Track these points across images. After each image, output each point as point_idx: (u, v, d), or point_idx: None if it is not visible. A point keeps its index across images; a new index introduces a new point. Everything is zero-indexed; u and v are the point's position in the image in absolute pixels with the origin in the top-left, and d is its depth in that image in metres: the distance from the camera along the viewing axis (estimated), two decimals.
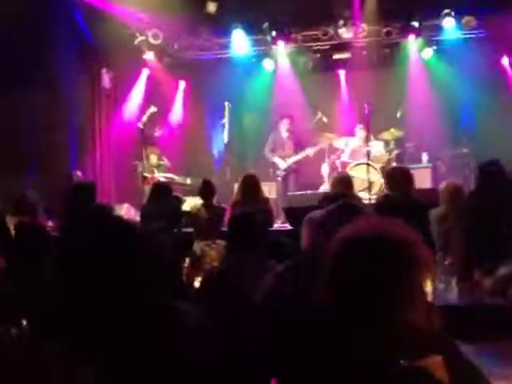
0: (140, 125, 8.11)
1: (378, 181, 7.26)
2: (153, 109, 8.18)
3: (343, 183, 4.74)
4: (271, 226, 5.24)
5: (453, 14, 8.73)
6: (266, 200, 5.31)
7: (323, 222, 2.15)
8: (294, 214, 5.03)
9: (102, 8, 7.85)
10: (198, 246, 4.91)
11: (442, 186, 4.67)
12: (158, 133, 8.63)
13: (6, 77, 6.79)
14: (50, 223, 5.85)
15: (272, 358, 1.54)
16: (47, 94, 7.45)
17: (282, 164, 7.91)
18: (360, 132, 8.16)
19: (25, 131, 7.10)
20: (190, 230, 5.34)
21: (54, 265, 1.55)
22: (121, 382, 1.34)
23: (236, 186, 7.92)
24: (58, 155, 7.57)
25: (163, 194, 5.26)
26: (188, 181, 8.15)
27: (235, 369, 1.74)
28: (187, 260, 4.64)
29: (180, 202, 5.64)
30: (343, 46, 9.39)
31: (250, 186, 5.15)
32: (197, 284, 3.56)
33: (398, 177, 4.44)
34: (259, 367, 1.77)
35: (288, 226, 5.85)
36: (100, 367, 1.29)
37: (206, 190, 5.46)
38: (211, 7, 8.70)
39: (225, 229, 5.31)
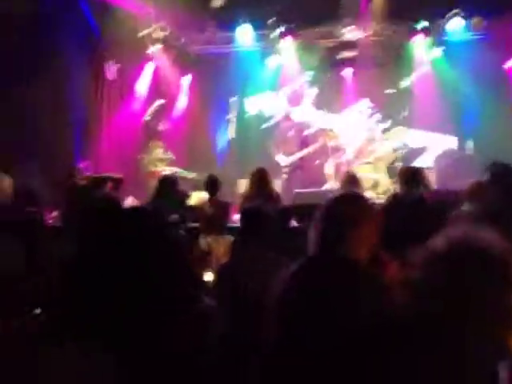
0: (146, 118, 8.07)
1: (384, 180, 7.24)
2: (159, 101, 8.15)
3: (352, 182, 4.73)
4: (288, 221, 5.11)
5: (462, 14, 8.70)
6: (277, 194, 5.25)
7: None
8: (301, 211, 5.00)
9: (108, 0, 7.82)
10: (203, 241, 4.89)
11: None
12: (162, 126, 8.60)
13: (12, 68, 6.76)
14: (54, 213, 5.83)
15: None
16: (52, 84, 7.43)
17: (285, 160, 7.89)
18: (365, 130, 8.14)
19: (30, 122, 7.07)
20: (195, 224, 5.31)
21: (78, 257, 1.52)
22: (140, 373, 1.32)
23: (239, 182, 7.93)
24: (63, 146, 7.55)
25: (170, 188, 5.23)
26: (192, 175, 8.12)
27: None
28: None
29: (186, 196, 5.59)
30: (350, 45, 9.36)
31: (261, 179, 5.09)
32: (205, 278, 3.53)
33: (409, 176, 4.42)
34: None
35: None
36: (119, 356, 1.27)
37: (212, 185, 5.43)
38: (217, 1, 8.66)
39: (230, 224, 5.33)
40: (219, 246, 4.75)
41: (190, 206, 5.48)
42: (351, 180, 5.04)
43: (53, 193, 6.42)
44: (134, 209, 1.56)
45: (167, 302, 1.39)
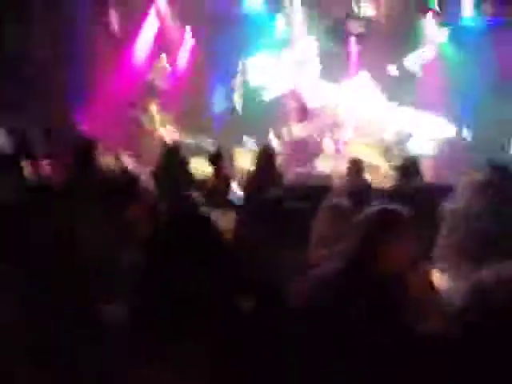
0: (152, 75, 7.85)
1: (383, 164, 7.27)
2: (161, 58, 7.91)
3: (358, 170, 4.82)
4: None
5: None
6: (281, 175, 5.22)
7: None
8: (304, 192, 5.01)
9: None
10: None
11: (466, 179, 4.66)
12: (161, 84, 8.40)
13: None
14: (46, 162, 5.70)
15: None
16: (53, 28, 7.16)
17: (286, 136, 7.84)
18: (367, 108, 8.10)
19: (31, 66, 6.83)
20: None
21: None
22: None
23: (235, 151, 7.85)
24: (60, 96, 7.33)
25: (175, 159, 5.16)
26: (189, 140, 8.00)
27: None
28: None
29: (187, 164, 5.50)
30: (360, 18, 9.17)
31: (267, 160, 5.02)
32: None
33: (409, 168, 4.50)
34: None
35: None
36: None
37: (218, 158, 5.40)
38: None
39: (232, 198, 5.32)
40: (223, 222, 4.74)
41: (197, 180, 5.42)
42: (357, 168, 5.09)
43: (47, 142, 6.33)
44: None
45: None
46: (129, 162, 7.07)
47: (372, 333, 1.72)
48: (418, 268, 2.16)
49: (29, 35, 7.04)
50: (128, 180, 3.05)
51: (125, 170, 3.50)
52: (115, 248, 2.33)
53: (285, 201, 3.11)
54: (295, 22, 9.25)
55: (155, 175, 4.76)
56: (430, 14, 9.09)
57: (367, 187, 5.09)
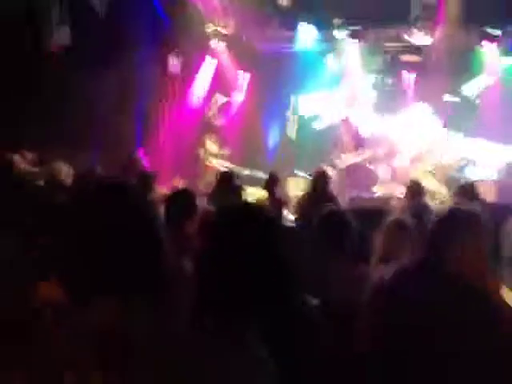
0: (209, 113, 8.19)
1: (441, 189, 7.07)
2: (221, 97, 8.26)
3: (417, 191, 4.72)
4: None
5: None
6: (335, 198, 5.20)
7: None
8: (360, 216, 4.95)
9: None
10: None
11: None
12: (219, 122, 8.72)
13: (83, 54, 7.00)
14: None
15: None
16: (120, 75, 7.64)
17: (340, 163, 7.83)
18: (425, 137, 7.98)
19: (96, 112, 7.30)
20: None
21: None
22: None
23: (288, 180, 7.92)
24: (125, 137, 7.76)
25: (229, 182, 5.32)
26: (245, 172, 8.19)
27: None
28: None
29: (242, 190, 5.64)
30: (416, 49, 9.15)
31: (323, 181, 5.05)
32: None
33: (468, 190, 4.35)
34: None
35: None
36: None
37: (273, 183, 5.50)
38: (283, 0, 8.68)
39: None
40: None
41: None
42: (417, 189, 4.98)
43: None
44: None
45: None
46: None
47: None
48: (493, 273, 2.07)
49: (101, 78, 7.45)
50: (186, 195, 3.13)
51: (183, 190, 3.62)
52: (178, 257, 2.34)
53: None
54: (348, 57, 9.39)
55: (210, 197, 4.91)
56: (490, 43, 8.92)
57: (427, 208, 4.97)
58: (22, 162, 5.37)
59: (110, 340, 0.91)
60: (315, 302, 1.53)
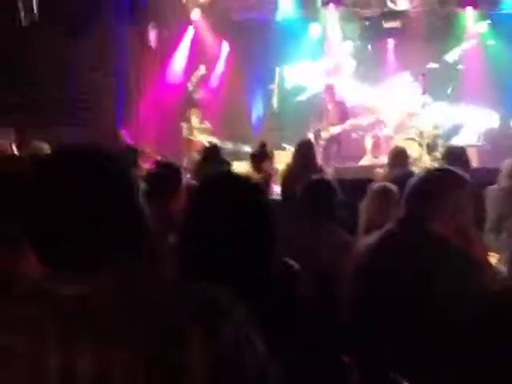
0: (189, 86, 8.05)
1: (424, 156, 7.10)
2: (202, 70, 8.12)
3: (401, 157, 4.70)
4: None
5: None
6: (322, 169, 5.15)
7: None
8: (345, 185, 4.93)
9: None
10: None
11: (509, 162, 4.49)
12: (200, 95, 8.58)
13: (60, 28, 6.78)
14: None
15: None
16: (95, 49, 7.43)
17: (324, 133, 7.79)
18: (406, 105, 7.96)
19: (73, 82, 7.11)
20: None
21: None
22: None
23: (274, 153, 7.87)
24: (104, 112, 7.60)
25: (215, 156, 5.24)
26: (228, 145, 8.12)
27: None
28: None
29: (228, 165, 5.59)
30: (395, 15, 9.08)
31: (308, 152, 4.97)
32: None
33: (456, 155, 4.34)
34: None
35: None
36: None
37: (262, 153, 5.45)
38: None
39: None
40: None
41: None
42: (400, 155, 4.90)
43: None
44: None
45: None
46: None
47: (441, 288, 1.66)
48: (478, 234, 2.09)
49: (75, 50, 7.21)
50: (171, 170, 3.02)
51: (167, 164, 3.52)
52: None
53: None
54: (329, 25, 9.27)
55: (195, 173, 4.84)
56: (469, 8, 8.89)
57: (411, 175, 4.94)
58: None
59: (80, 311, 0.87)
60: (297, 266, 1.53)
